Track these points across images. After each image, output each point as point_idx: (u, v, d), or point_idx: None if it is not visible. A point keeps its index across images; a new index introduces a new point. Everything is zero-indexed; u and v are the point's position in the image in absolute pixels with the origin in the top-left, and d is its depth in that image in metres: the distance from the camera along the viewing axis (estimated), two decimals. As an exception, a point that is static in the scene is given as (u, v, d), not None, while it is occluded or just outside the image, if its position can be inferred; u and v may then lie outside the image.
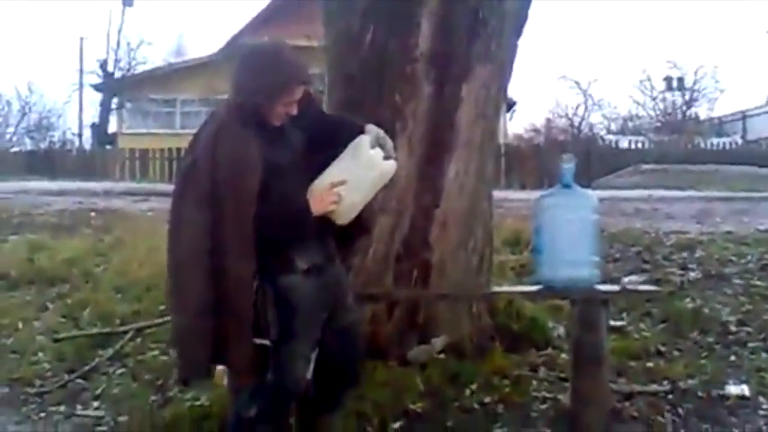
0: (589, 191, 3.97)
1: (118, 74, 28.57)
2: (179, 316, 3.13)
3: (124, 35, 29.41)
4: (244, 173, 2.99)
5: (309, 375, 3.20)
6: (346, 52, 4.45)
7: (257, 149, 3.00)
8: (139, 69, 28.48)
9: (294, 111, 3.12)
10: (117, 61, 29.00)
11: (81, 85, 30.29)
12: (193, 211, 3.02)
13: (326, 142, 3.25)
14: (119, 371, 4.83)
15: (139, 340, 5.20)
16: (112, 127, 28.66)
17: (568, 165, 3.77)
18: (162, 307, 5.40)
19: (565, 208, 3.75)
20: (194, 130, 3.19)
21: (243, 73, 3.11)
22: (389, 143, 3.24)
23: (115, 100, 28.15)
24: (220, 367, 4.37)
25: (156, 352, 4.99)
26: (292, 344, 3.14)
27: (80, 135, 30.50)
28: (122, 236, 7.77)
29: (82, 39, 31.33)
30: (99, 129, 28.62)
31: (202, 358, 3.07)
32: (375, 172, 3.20)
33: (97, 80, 29.19)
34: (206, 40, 58.70)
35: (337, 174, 3.14)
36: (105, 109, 28.60)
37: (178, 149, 22.68)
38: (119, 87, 27.84)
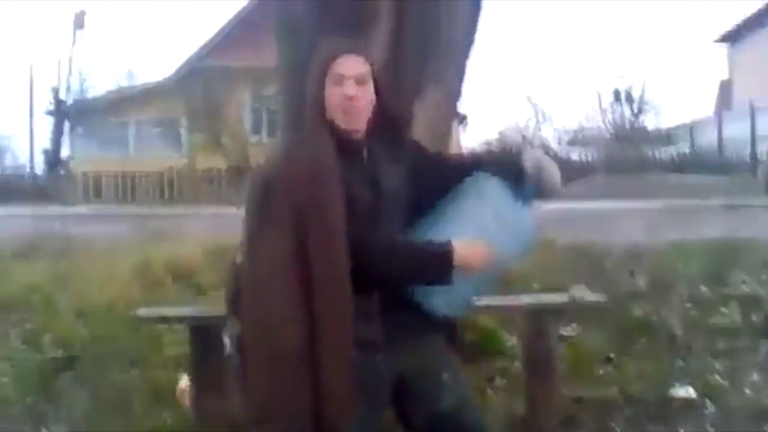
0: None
1: (70, 99, 28.34)
2: None
3: (76, 59, 29.23)
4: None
5: None
6: (298, 69, 4.52)
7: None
8: (91, 93, 28.26)
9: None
10: (68, 85, 28.78)
11: (32, 112, 30.00)
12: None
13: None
14: (81, 393, 4.86)
15: (99, 363, 5.20)
16: (65, 152, 28.38)
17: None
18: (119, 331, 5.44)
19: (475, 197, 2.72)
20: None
21: None
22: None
23: (67, 125, 27.88)
24: (182, 386, 4.46)
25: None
26: None
27: (32, 161, 30.17)
28: (79, 261, 7.76)
29: (31, 66, 31.21)
30: (51, 154, 28.32)
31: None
32: None
33: (49, 106, 28.94)
34: (159, 63, 58.54)
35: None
36: (57, 135, 28.30)
37: (131, 173, 22.71)
38: (71, 112, 27.61)
